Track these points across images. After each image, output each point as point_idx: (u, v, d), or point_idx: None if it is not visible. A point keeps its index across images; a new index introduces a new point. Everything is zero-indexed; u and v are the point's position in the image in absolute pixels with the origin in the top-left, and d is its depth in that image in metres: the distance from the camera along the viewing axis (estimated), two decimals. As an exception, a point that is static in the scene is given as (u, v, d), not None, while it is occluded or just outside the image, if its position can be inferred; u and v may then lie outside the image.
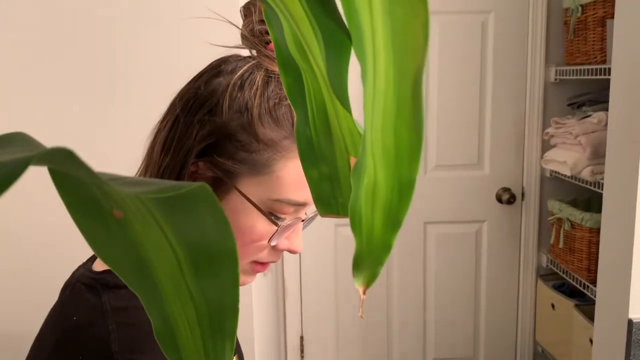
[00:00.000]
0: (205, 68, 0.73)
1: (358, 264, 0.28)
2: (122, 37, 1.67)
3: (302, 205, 0.70)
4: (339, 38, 0.28)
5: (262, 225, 0.69)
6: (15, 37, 1.63)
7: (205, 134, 0.67)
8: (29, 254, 1.71)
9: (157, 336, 0.31)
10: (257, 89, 0.68)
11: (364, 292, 0.28)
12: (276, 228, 0.69)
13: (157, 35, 1.67)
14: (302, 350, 2.51)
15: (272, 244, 0.71)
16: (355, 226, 0.28)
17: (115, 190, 0.22)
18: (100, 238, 0.27)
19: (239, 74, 0.69)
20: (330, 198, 0.42)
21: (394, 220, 0.27)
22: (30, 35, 1.63)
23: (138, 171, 0.74)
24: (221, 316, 0.29)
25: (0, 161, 0.16)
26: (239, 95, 0.68)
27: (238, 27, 0.70)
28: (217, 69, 0.71)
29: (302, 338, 2.50)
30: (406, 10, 0.20)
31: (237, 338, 0.89)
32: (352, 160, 0.40)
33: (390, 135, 0.25)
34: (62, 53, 1.65)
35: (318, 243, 2.41)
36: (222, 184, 0.68)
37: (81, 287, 0.71)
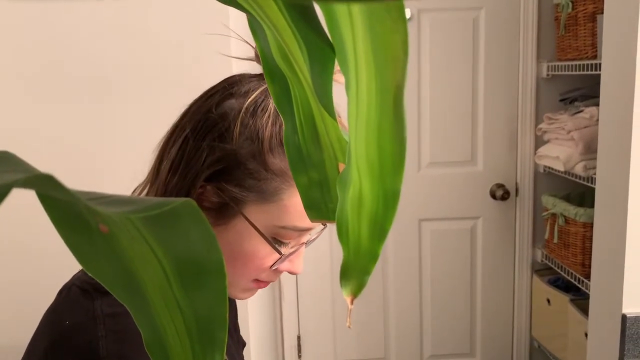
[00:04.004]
0: (217, 86, 0.71)
1: (346, 274, 0.28)
2: (127, 44, 1.66)
3: (306, 230, 0.71)
4: (322, 49, 0.28)
5: (264, 251, 0.70)
6: (22, 49, 1.63)
7: (215, 159, 0.67)
8: (25, 261, 1.71)
9: (147, 348, 0.31)
10: (268, 117, 0.67)
11: (352, 302, 0.28)
12: (279, 255, 0.70)
13: (165, 45, 1.66)
14: (299, 350, 2.51)
15: (274, 268, 0.72)
16: (342, 236, 0.28)
17: (99, 210, 0.22)
18: (87, 252, 0.27)
19: (251, 98, 0.68)
20: (321, 204, 0.42)
21: (380, 230, 0.27)
22: (37, 45, 1.63)
23: (141, 185, 0.74)
24: (210, 327, 0.29)
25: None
26: (250, 122, 0.67)
27: (252, 46, 0.68)
28: (229, 90, 0.70)
29: (299, 337, 2.50)
30: (385, 27, 0.20)
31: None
32: (341, 167, 0.40)
33: (373, 147, 0.25)
34: (65, 59, 1.65)
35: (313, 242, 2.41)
36: (229, 208, 0.68)
37: (76, 290, 0.72)
